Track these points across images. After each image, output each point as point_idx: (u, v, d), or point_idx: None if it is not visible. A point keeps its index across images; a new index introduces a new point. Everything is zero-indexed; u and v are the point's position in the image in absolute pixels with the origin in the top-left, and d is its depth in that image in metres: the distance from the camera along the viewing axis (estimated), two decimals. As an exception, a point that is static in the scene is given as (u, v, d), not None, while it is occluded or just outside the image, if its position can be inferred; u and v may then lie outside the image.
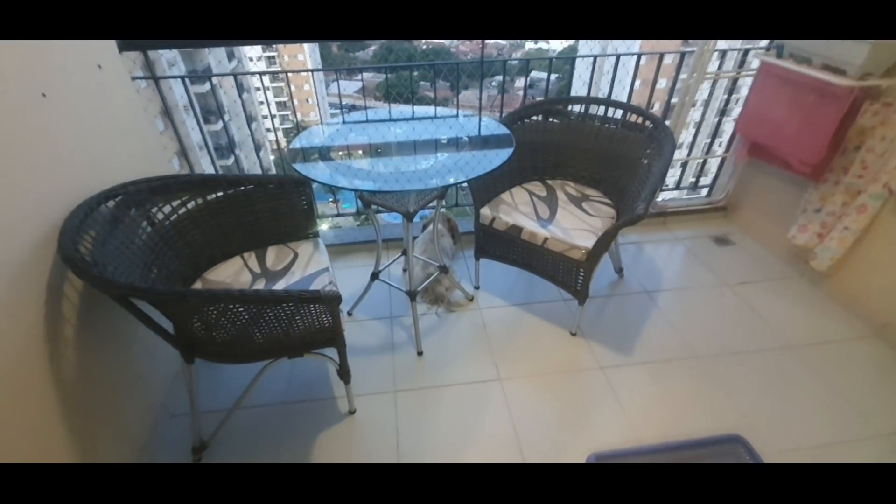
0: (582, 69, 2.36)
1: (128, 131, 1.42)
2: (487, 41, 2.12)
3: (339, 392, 1.58)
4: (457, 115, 1.79)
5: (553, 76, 2.16)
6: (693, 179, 2.62)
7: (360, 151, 1.60)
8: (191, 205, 1.42)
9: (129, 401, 1.35)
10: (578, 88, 2.19)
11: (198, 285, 1.41)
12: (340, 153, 1.57)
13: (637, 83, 2.27)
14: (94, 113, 1.27)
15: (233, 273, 1.46)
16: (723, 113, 2.36)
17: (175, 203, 1.39)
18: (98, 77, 1.30)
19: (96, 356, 1.21)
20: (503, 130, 1.64)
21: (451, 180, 1.30)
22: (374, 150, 1.60)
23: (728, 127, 2.40)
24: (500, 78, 2.15)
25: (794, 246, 2.00)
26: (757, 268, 2.14)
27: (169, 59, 10.59)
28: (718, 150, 2.47)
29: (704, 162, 2.49)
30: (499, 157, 1.42)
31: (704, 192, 2.59)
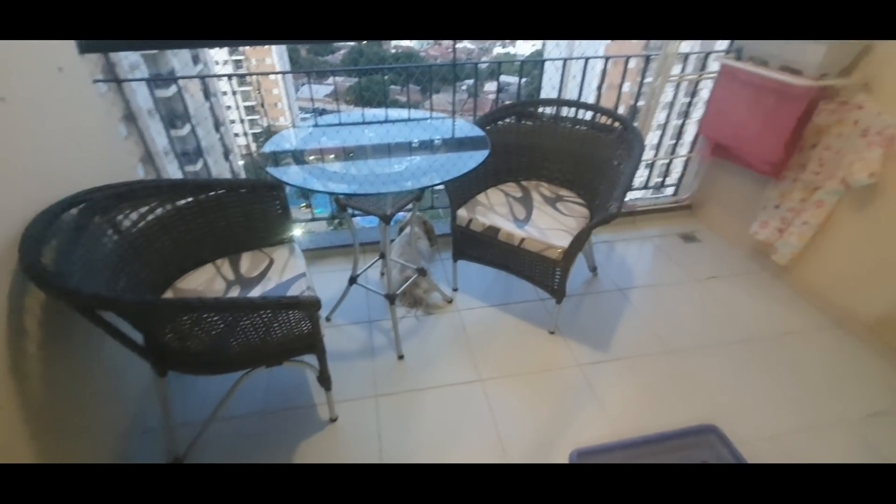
0: (551, 72, 2.41)
1: (91, 136, 1.37)
2: (457, 45, 2.14)
3: (319, 399, 1.56)
4: (430, 118, 1.80)
5: (523, 80, 2.20)
6: (659, 179, 2.71)
7: (334, 155, 1.59)
8: (159, 211, 1.37)
9: (97, 416, 1.29)
10: (548, 92, 2.23)
11: (169, 294, 1.37)
12: (314, 156, 1.56)
13: (604, 86, 2.34)
14: (56, 117, 1.22)
15: (205, 281, 1.42)
16: (686, 115, 2.45)
17: (143, 209, 1.34)
18: (59, 80, 1.24)
19: (61, 371, 1.16)
20: (478, 132, 1.66)
21: (429, 182, 1.31)
22: (349, 153, 1.59)
23: (691, 128, 2.50)
24: (470, 82, 2.17)
25: (757, 241, 2.10)
26: (722, 263, 2.23)
27: (131, 62, 10.18)
28: (682, 150, 2.56)
29: (670, 162, 2.58)
30: (475, 158, 1.43)
31: (670, 191, 2.69)
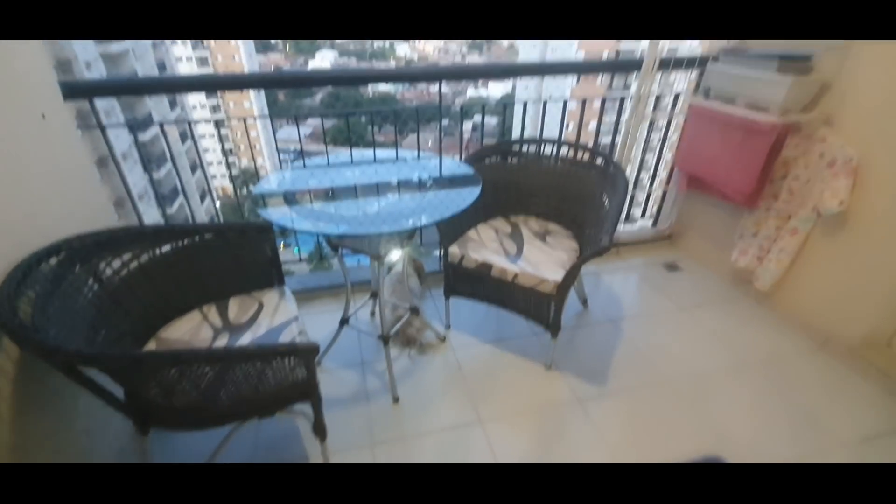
0: (530, 111, 2.49)
1: (71, 182, 1.33)
2: (430, 89, 2.19)
3: (312, 450, 1.47)
4: (418, 157, 1.82)
5: (495, 119, 2.25)
6: (638, 210, 2.79)
7: (324, 196, 1.58)
8: (143, 258, 1.32)
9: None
10: (527, 131, 2.30)
11: (152, 345, 1.30)
12: (304, 197, 1.54)
13: (569, 126, 2.43)
14: (37, 164, 1.18)
15: (191, 329, 1.36)
16: (661, 149, 2.55)
17: (125, 257, 1.29)
18: (42, 127, 1.21)
19: (32, 436, 1.06)
20: (467, 169, 1.69)
21: (427, 220, 1.30)
22: (339, 194, 1.58)
23: (663, 162, 2.60)
24: (445, 122, 2.22)
25: (738, 269, 2.15)
26: (706, 291, 2.28)
27: (105, 108, 10.15)
28: (656, 183, 2.66)
29: (648, 194, 2.67)
30: (468, 195, 1.45)
31: (649, 222, 2.76)
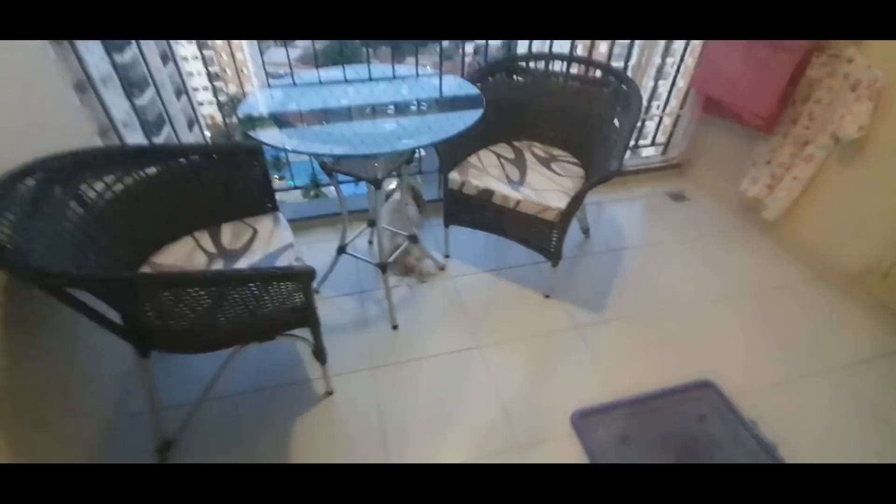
0: None
1: (43, 103, 1.23)
2: None
3: (314, 373, 1.50)
4: (417, 75, 1.68)
5: (500, 41, 2.05)
6: (646, 139, 2.67)
7: (318, 116, 1.47)
8: (128, 181, 1.25)
9: (75, 403, 1.21)
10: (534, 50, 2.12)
11: (145, 270, 1.26)
12: (295, 118, 1.44)
13: (581, 46, 2.24)
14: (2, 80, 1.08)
15: (185, 255, 1.32)
16: (676, 74, 2.38)
17: (108, 179, 1.21)
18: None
19: (30, 359, 1.06)
20: (471, 89, 1.56)
21: (427, 141, 1.22)
22: (333, 114, 1.47)
23: (675, 89, 2.44)
24: (446, 44, 2.02)
25: (746, 198, 2.10)
26: (711, 221, 2.24)
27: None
28: (668, 109, 2.52)
29: (660, 120, 2.54)
30: (471, 115, 1.35)
31: (657, 151, 2.65)
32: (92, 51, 1.84)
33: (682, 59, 2.31)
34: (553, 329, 1.68)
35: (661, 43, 2.12)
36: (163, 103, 2.34)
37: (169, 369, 1.50)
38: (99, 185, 1.20)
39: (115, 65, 1.81)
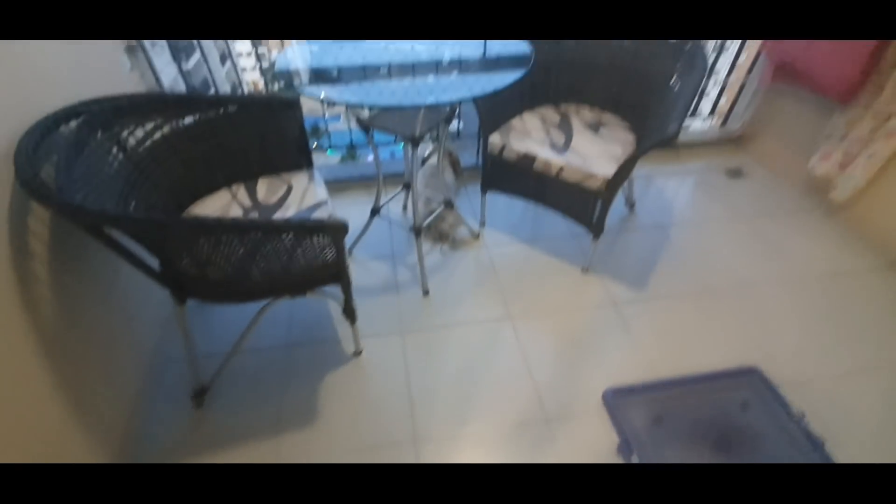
0: None
1: (94, 59, 1.26)
2: None
3: (343, 333, 1.50)
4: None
5: None
6: (705, 105, 2.47)
7: (357, 71, 1.41)
8: (166, 129, 1.25)
9: (119, 344, 1.25)
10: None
11: (183, 220, 1.28)
12: (333, 73, 1.39)
13: None
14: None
15: (221, 207, 1.32)
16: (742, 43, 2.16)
17: (148, 126, 1.22)
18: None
19: (76, 297, 1.10)
20: (522, 44, 1.45)
21: (468, 94, 1.15)
22: (373, 70, 1.41)
23: (744, 51, 2.22)
24: None
25: (814, 177, 1.91)
26: (771, 200, 2.06)
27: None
28: (734, 75, 2.30)
29: (722, 88, 2.33)
30: (516, 73, 1.26)
31: (714, 121, 2.45)
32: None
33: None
34: (590, 305, 1.61)
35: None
36: (208, 67, 2.33)
37: (206, 318, 1.54)
38: (139, 132, 1.20)
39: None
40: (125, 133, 1.17)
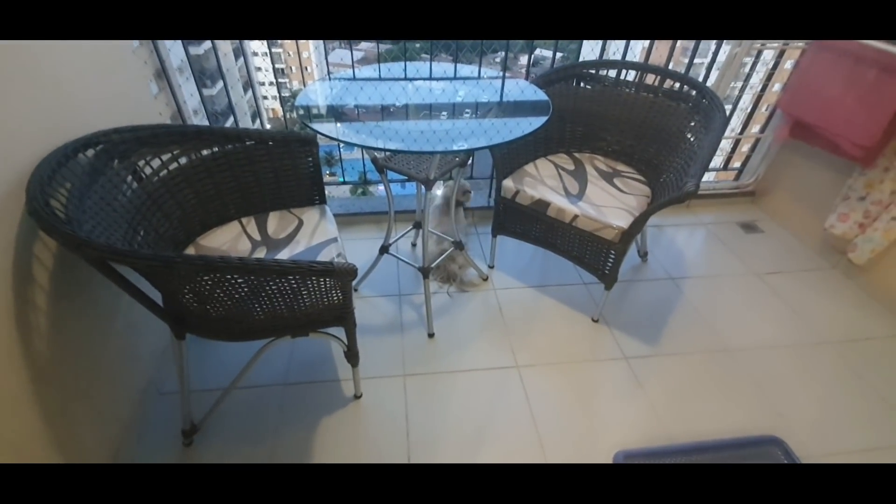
0: (592, 44, 2.13)
1: (121, 85, 1.29)
2: None
3: (343, 374, 1.45)
4: (479, 77, 1.62)
5: (558, 55, 1.89)
6: (717, 159, 2.47)
7: (375, 111, 1.43)
8: (183, 160, 1.26)
9: (111, 376, 1.21)
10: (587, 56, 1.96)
11: (190, 251, 1.26)
12: (351, 112, 1.40)
13: (659, 49, 2.07)
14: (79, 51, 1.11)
15: (230, 239, 1.31)
16: (765, 87, 2.17)
17: (165, 157, 1.22)
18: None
19: (73, 327, 1.07)
20: (538, 94, 1.46)
21: (483, 143, 1.14)
22: (391, 110, 1.43)
23: (762, 105, 2.24)
24: (502, 54, 1.95)
25: (831, 236, 1.88)
26: (787, 257, 2.02)
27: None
28: (749, 129, 2.31)
29: (736, 143, 2.34)
30: (534, 121, 1.26)
31: (728, 174, 2.45)
32: (172, 46, 1.91)
33: (773, 70, 2.10)
34: (600, 357, 1.55)
35: (754, 50, 1.93)
36: (228, 95, 2.40)
37: (203, 353, 1.50)
38: (155, 162, 1.21)
39: (188, 55, 1.86)
40: (142, 162, 1.18)
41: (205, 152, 1.30)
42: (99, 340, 1.17)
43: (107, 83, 1.23)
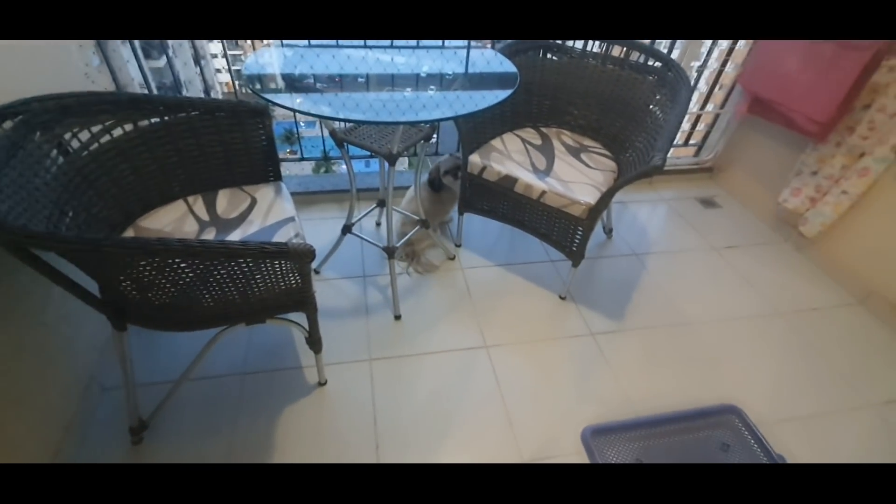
0: None
1: (54, 52, 1.13)
2: None
3: (306, 361, 1.39)
4: (443, 46, 1.54)
5: None
6: (677, 141, 2.50)
7: (333, 80, 1.33)
8: (117, 132, 1.13)
9: (47, 374, 1.10)
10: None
11: (129, 234, 1.15)
12: (307, 81, 1.30)
13: None
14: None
15: (174, 220, 1.20)
16: (723, 66, 2.19)
17: (95, 128, 1.09)
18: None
19: (-6, 321, 0.95)
20: (506, 64, 1.41)
21: (448, 114, 1.08)
22: (350, 80, 1.33)
23: (720, 83, 2.26)
24: None
25: (784, 210, 1.94)
26: (743, 232, 2.09)
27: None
28: (709, 106, 2.35)
29: (696, 119, 2.37)
30: (501, 94, 1.20)
31: (688, 150, 2.49)
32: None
33: (731, 49, 2.12)
34: (567, 334, 1.56)
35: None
36: (171, 67, 2.19)
37: (151, 343, 1.39)
38: (84, 135, 1.08)
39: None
40: (68, 135, 1.05)
41: (142, 123, 1.17)
42: (33, 336, 1.06)
43: (37, 52, 1.08)
